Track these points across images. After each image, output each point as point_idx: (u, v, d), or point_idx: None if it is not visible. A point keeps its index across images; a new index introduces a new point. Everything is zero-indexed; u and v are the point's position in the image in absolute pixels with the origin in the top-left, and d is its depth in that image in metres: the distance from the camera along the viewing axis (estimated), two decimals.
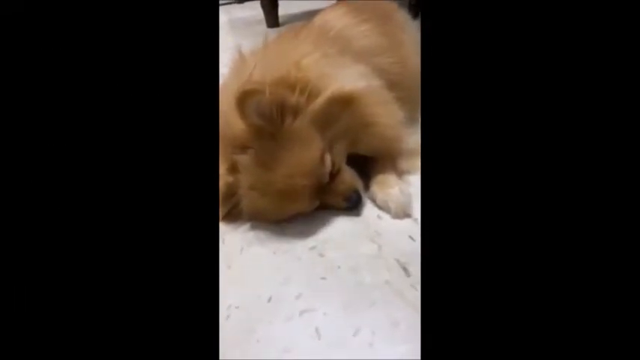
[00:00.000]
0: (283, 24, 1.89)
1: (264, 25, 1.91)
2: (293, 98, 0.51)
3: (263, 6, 1.85)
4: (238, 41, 1.64)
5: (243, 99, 0.48)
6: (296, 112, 0.52)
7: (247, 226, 0.60)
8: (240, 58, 0.61)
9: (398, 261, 0.50)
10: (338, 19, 0.74)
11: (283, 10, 1.91)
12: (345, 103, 0.55)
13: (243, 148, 0.53)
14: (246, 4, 2.77)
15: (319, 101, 0.53)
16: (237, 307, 0.47)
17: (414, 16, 1.03)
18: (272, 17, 1.85)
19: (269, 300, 0.47)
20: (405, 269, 0.49)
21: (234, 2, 2.85)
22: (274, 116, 0.50)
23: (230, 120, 0.53)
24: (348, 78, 0.57)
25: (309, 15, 0.87)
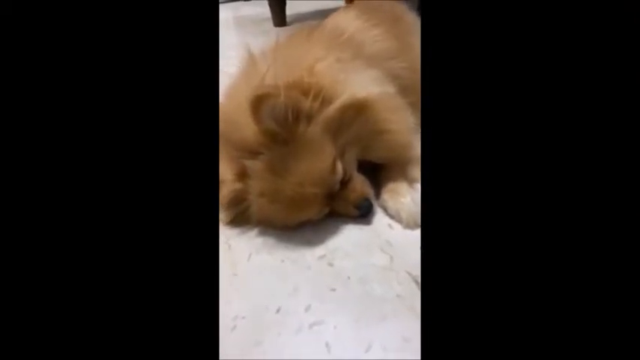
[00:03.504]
0: (290, 23, 1.87)
1: (270, 23, 1.89)
2: (306, 104, 0.50)
3: (270, 4, 1.84)
4: (244, 39, 1.63)
5: (258, 103, 0.47)
6: (309, 118, 0.51)
7: (255, 231, 0.59)
8: (251, 60, 0.60)
9: (409, 274, 0.49)
10: (349, 23, 0.72)
11: (291, 9, 1.89)
12: (358, 109, 0.53)
13: (253, 153, 0.52)
14: (253, 1, 2.75)
15: (332, 108, 0.52)
16: (243, 318, 0.46)
17: None
18: (279, 16, 1.84)
19: (277, 311, 0.46)
20: (416, 282, 0.48)
21: None
22: (289, 121, 0.49)
23: (241, 124, 0.51)
24: (362, 84, 0.56)
25: (317, 14, 0.86)
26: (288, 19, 1.88)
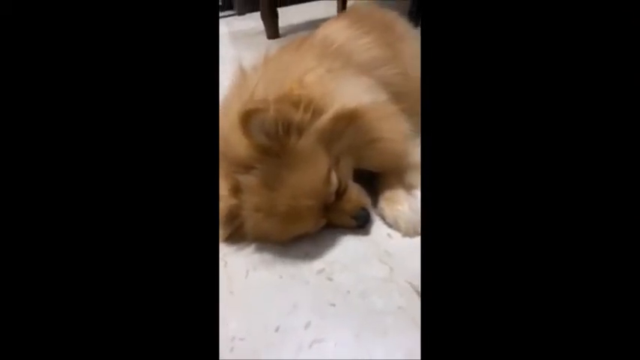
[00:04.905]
0: (284, 35, 1.88)
1: (264, 36, 1.91)
2: (297, 116, 0.50)
3: (263, 17, 1.86)
4: (240, 53, 1.64)
5: (247, 118, 0.47)
6: (300, 130, 0.50)
7: (252, 247, 0.58)
8: (242, 75, 0.60)
9: (410, 284, 0.48)
10: (339, 33, 0.72)
11: (283, 21, 1.91)
12: (350, 119, 0.53)
13: (246, 168, 0.51)
14: (247, 15, 2.78)
15: (324, 119, 0.51)
16: (241, 339, 0.44)
17: (415, 24, 1.02)
18: (272, 28, 1.85)
19: (276, 330, 0.45)
20: (418, 293, 0.46)
21: (235, 14, 2.87)
22: (279, 134, 0.49)
23: (233, 139, 0.51)
24: (352, 93, 0.55)
25: (310, 25, 0.86)
26: (281, 31, 1.89)
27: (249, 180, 0.51)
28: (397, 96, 0.64)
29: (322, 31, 0.76)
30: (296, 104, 0.50)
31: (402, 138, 0.59)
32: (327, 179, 0.51)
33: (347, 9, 1.51)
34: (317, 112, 0.51)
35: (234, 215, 0.55)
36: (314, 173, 0.51)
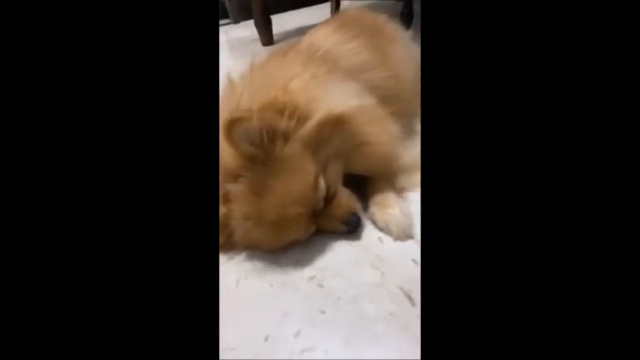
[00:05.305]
0: (278, 41, 1.90)
1: (260, 44, 1.92)
2: (282, 123, 0.50)
3: (257, 25, 1.87)
4: (236, 60, 1.66)
5: (232, 127, 0.47)
6: (286, 137, 0.50)
7: (242, 256, 0.58)
8: (230, 85, 0.60)
9: (402, 289, 0.47)
10: (326, 38, 0.73)
11: (277, 28, 1.92)
12: (336, 124, 0.53)
13: (234, 176, 0.51)
14: (242, 23, 2.81)
15: (309, 125, 0.51)
16: (232, 349, 0.44)
17: (407, 26, 1.02)
18: (266, 36, 1.86)
19: (266, 339, 0.44)
20: (409, 298, 0.46)
21: (231, 23, 2.89)
22: (264, 142, 0.49)
23: (221, 149, 0.51)
24: (339, 98, 0.55)
25: (304, 31, 0.86)
26: (275, 38, 1.90)
27: (237, 189, 0.51)
28: (387, 99, 0.64)
29: (309, 38, 0.76)
30: (281, 111, 0.50)
31: (391, 141, 0.59)
32: (315, 185, 0.51)
33: (336, 13, 1.51)
34: (302, 119, 0.51)
35: (224, 224, 0.54)
36: (301, 180, 0.51)
